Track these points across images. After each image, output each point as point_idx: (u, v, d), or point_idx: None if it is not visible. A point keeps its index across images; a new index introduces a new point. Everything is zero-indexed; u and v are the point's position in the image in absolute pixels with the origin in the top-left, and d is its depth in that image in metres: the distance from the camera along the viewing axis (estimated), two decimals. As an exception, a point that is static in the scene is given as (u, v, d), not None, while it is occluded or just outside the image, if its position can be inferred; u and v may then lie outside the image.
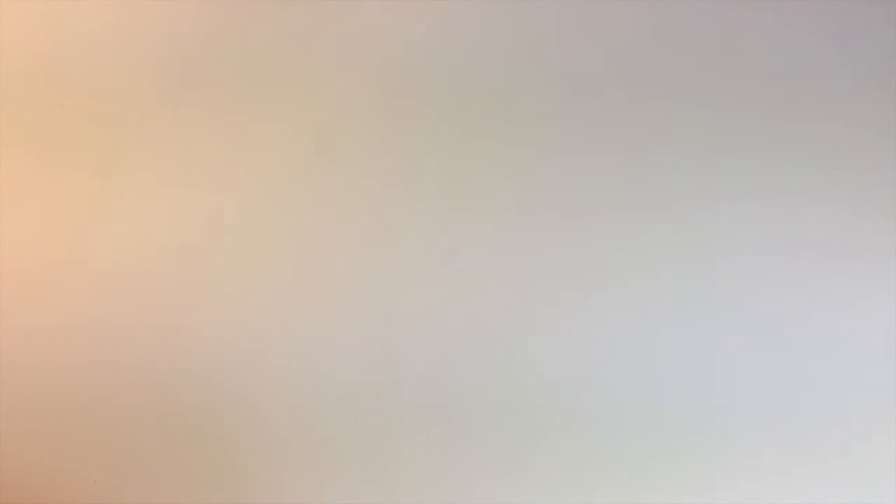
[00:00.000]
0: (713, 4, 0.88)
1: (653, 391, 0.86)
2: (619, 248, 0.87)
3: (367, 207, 0.81)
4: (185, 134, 0.58)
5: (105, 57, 0.49)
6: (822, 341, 0.85)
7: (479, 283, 0.85)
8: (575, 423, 0.84)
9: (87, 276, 0.48)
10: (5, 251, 0.47)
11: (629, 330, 0.86)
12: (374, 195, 0.81)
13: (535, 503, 0.81)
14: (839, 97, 0.85)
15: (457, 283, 0.84)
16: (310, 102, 0.65)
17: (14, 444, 0.44)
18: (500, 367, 0.84)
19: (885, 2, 0.82)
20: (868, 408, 0.80)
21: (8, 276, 0.47)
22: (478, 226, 0.85)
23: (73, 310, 0.48)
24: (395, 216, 0.82)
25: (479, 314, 0.85)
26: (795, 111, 0.87)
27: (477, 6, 0.80)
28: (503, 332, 0.85)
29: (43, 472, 0.45)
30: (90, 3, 0.50)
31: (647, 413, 0.86)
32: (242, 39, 0.50)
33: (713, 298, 0.87)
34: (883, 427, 0.77)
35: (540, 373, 0.85)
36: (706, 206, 0.88)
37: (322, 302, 0.82)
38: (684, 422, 0.86)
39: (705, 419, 0.86)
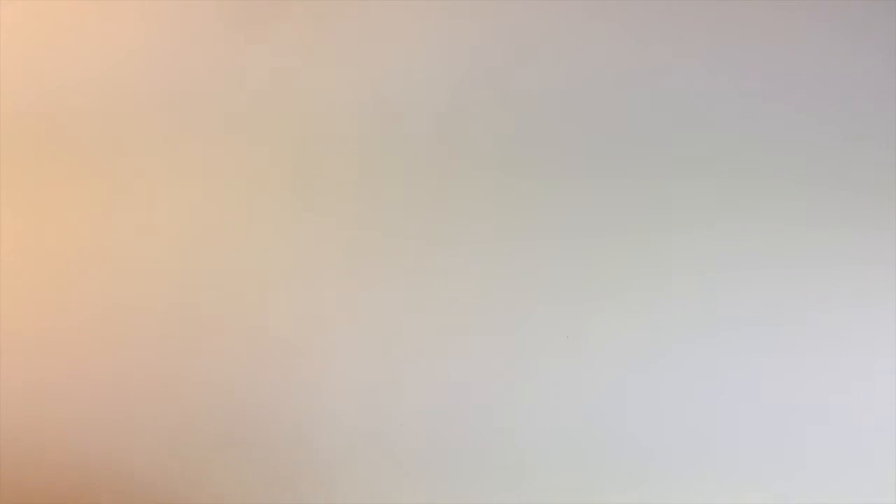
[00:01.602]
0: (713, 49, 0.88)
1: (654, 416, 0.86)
2: (621, 272, 0.87)
3: (366, 228, 0.81)
4: (185, 157, 0.58)
5: (99, 67, 0.50)
6: (827, 363, 0.85)
7: (477, 307, 0.85)
8: (573, 448, 0.84)
9: (86, 288, 0.47)
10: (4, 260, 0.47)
11: (630, 353, 0.86)
12: (375, 217, 0.80)
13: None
14: (844, 111, 0.86)
15: (455, 310, 0.84)
16: (307, 126, 0.64)
17: (14, 448, 0.44)
18: (498, 388, 0.84)
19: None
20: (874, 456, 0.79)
21: (7, 283, 0.47)
22: (477, 249, 0.85)
23: (70, 319, 0.48)
24: (397, 232, 0.82)
25: (477, 336, 0.85)
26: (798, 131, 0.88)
27: (477, 32, 0.81)
28: (502, 356, 0.85)
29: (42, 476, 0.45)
30: (84, 22, 0.50)
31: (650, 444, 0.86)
32: (237, 63, 0.50)
33: (715, 324, 0.87)
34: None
35: (538, 394, 0.85)
36: (708, 226, 0.88)
37: (322, 323, 0.82)
38: (687, 455, 0.86)
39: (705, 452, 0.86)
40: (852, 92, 0.84)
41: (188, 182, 0.47)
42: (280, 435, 0.80)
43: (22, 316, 0.46)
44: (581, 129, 0.88)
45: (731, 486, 0.86)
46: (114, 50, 0.50)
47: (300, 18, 0.50)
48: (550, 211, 0.87)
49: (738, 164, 0.89)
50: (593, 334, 0.86)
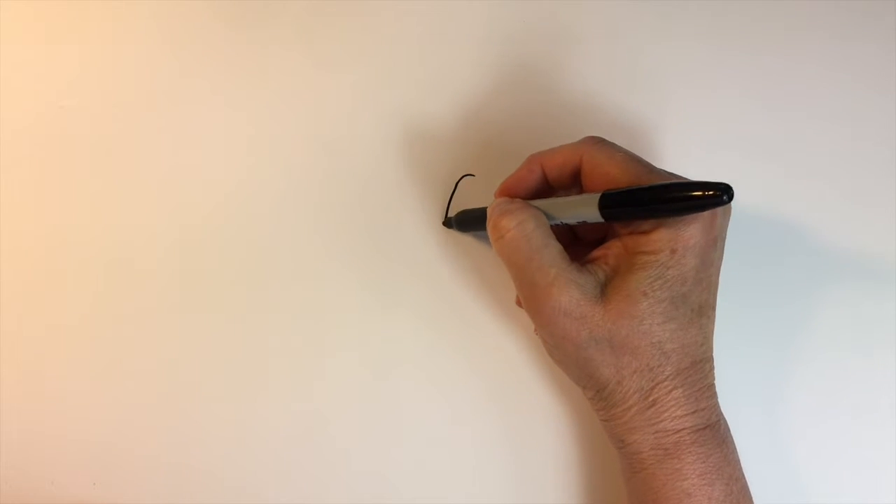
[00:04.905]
0: None
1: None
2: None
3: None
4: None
5: (102, 53, 0.50)
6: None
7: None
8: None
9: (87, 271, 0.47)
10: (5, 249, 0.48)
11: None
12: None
13: None
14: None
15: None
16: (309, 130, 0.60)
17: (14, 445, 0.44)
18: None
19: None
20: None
21: (7, 271, 0.47)
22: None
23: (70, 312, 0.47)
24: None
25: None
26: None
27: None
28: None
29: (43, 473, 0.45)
30: (83, 21, 0.51)
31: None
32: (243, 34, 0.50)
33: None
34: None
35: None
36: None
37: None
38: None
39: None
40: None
41: (187, 181, 0.47)
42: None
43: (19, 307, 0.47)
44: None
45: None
46: (112, 49, 0.50)
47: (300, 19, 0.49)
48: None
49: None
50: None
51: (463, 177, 0.46)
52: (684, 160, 0.47)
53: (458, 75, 0.49)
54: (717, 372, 0.37)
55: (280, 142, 0.49)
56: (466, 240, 0.47)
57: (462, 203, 0.46)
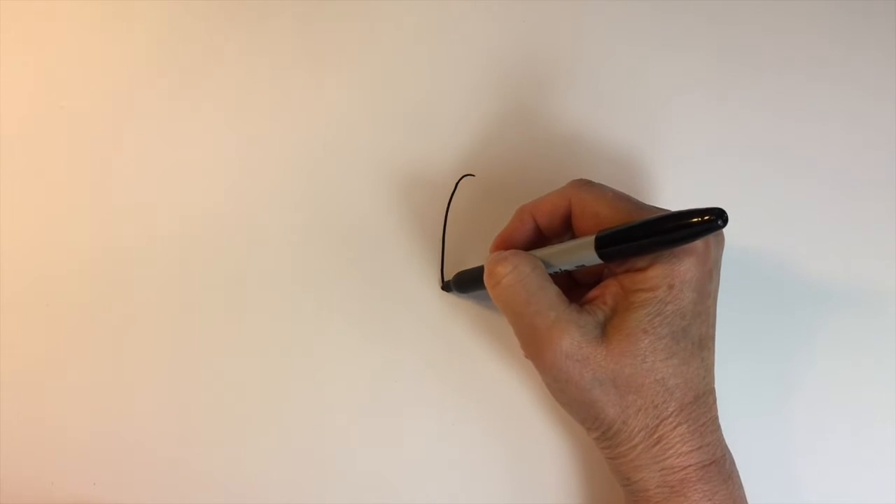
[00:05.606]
0: None
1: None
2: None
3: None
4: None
5: (102, 53, 0.51)
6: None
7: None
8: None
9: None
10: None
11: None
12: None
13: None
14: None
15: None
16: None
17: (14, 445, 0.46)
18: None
19: None
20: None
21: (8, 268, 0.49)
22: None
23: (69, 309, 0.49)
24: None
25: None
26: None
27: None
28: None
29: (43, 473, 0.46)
30: (83, 20, 0.50)
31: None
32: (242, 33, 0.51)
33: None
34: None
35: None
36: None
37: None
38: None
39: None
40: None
41: (186, 181, 0.48)
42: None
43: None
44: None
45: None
46: (112, 49, 0.51)
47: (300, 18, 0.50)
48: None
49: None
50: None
51: (463, 177, 0.46)
52: (683, 171, 0.46)
53: (460, 79, 0.49)
54: (717, 384, 0.37)
55: (280, 143, 0.49)
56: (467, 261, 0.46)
57: (459, 255, 0.46)
